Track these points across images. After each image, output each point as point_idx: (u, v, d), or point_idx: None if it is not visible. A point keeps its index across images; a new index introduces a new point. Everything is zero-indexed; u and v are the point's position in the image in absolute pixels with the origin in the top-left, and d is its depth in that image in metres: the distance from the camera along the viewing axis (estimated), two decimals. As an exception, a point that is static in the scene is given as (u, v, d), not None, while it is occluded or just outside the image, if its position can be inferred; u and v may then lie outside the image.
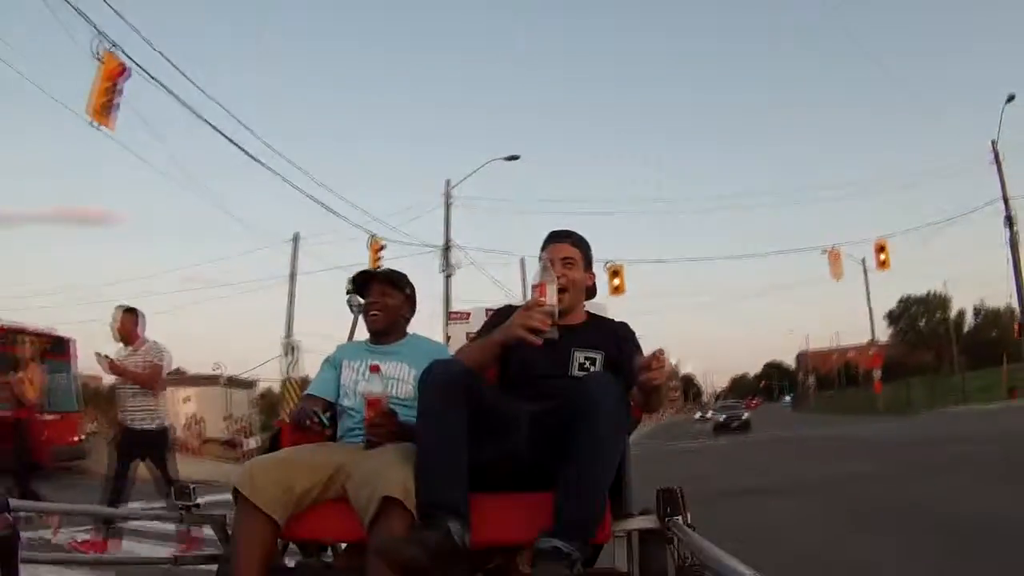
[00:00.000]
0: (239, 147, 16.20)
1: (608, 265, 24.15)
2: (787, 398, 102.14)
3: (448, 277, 26.51)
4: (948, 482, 9.67)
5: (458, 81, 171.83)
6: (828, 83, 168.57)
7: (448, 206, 27.05)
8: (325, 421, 2.71)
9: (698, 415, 75.77)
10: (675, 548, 2.29)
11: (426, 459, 2.27)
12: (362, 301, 3.04)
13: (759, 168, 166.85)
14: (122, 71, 11.26)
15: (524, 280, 30.08)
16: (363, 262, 21.94)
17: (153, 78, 12.55)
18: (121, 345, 6.75)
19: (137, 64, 11.77)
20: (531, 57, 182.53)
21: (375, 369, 2.72)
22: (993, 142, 26.74)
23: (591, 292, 2.93)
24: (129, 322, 6.75)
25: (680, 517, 2.29)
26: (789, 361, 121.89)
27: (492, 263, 50.10)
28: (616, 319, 2.93)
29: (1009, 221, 26.53)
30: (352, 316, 12.38)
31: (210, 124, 14.74)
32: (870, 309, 40.83)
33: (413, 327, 3.16)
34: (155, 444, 6.56)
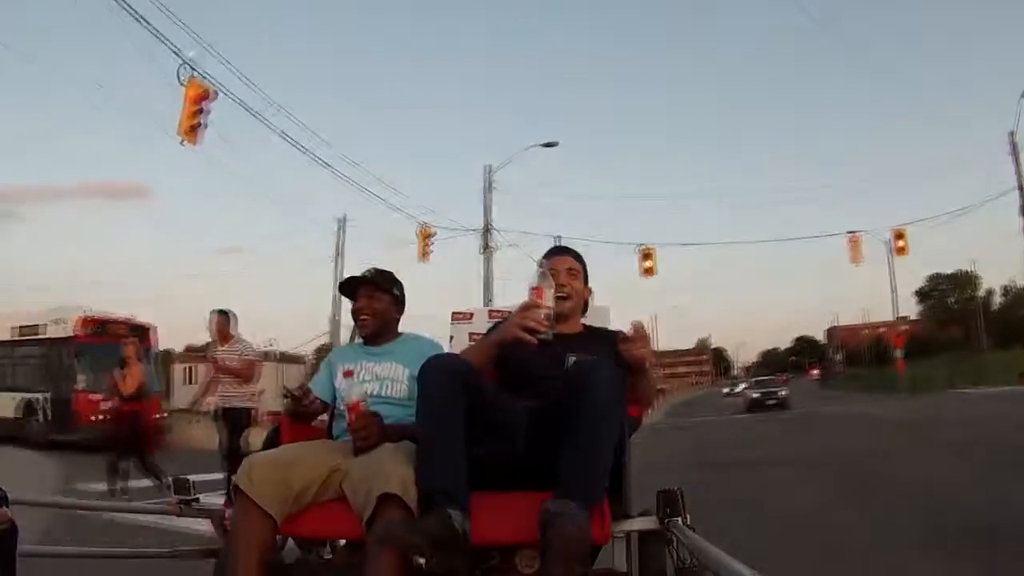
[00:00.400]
0: (311, 155, 18.00)
1: (640, 248, 24.12)
2: (814, 373, 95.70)
3: (488, 258, 26.43)
4: (923, 460, 10.38)
5: (498, 71, 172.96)
6: (849, 82, 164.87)
7: (488, 190, 26.83)
8: (297, 394, 2.63)
9: (727, 390, 69.53)
10: (674, 549, 2.15)
11: (426, 448, 2.18)
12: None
13: (790, 159, 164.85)
14: (206, 95, 12.11)
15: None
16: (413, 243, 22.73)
17: (235, 98, 13.91)
18: (218, 342, 7.49)
19: (221, 87, 12.90)
20: (568, 48, 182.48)
21: (348, 374, 2.62)
22: (1011, 134, 25.94)
23: (585, 307, 2.85)
24: (223, 323, 7.42)
25: (680, 518, 2.13)
26: (820, 336, 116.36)
27: (532, 244, 49.69)
28: (613, 328, 2.84)
29: (1024, 210, 25.50)
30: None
31: (286, 137, 16.62)
32: (893, 290, 39.45)
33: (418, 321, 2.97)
34: (239, 420, 7.32)
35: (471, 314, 3.33)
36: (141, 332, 16.52)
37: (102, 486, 8.58)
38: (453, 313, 3.33)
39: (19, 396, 16.68)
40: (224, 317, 7.42)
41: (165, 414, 16.96)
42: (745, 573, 1.46)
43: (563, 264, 2.68)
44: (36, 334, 17.17)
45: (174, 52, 11.93)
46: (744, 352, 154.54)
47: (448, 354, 2.45)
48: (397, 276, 2.91)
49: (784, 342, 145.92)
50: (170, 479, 2.39)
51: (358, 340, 2.89)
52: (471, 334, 3.11)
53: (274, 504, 2.20)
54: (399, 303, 2.88)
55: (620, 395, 2.22)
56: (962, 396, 30.09)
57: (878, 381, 49.45)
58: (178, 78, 11.84)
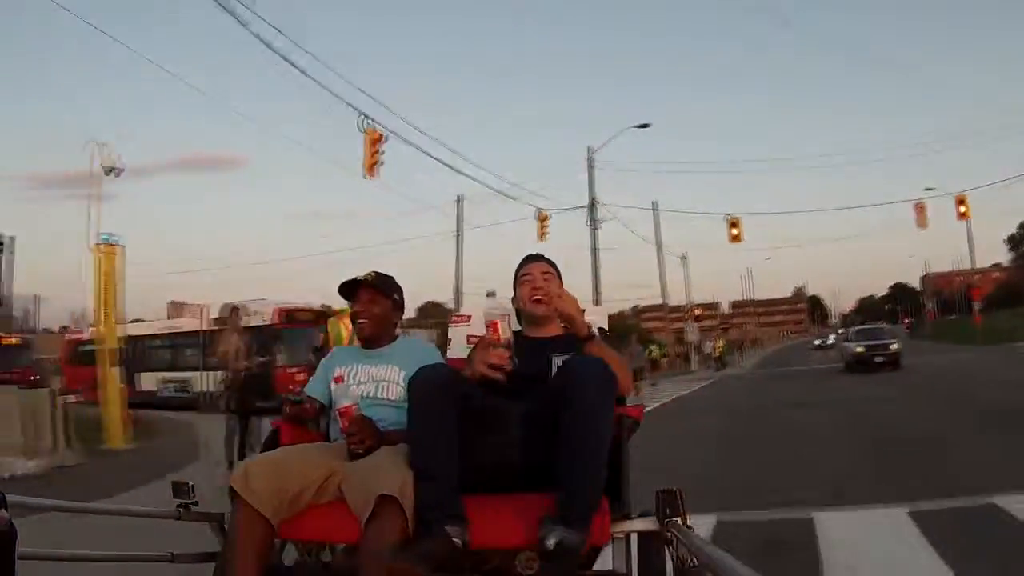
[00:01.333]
0: (457, 171, 21.61)
1: (727, 217, 23.96)
2: (906, 321, 79.54)
3: (595, 230, 26.58)
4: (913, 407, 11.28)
5: (597, 57, 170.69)
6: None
7: (591, 169, 26.64)
8: (299, 399, 2.44)
9: (817, 341, 54.14)
10: (674, 550, 1.86)
11: (418, 462, 1.97)
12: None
13: (869, 121, 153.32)
14: (380, 139, 13.34)
15: (656, 225, 32.18)
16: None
17: (403, 138, 17.03)
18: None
19: (392, 131, 14.49)
20: (659, 33, 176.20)
21: (338, 380, 2.42)
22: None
23: None
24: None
25: (679, 519, 1.88)
26: (915, 283, 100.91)
27: (630, 216, 49.36)
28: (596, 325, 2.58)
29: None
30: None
31: (445, 164, 19.71)
32: (971, 252, 35.00)
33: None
34: None
35: (469, 316, 3.08)
36: (324, 316, 17.39)
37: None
38: (451, 315, 2.94)
39: (222, 374, 17.94)
40: None
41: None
42: (745, 573, 1.27)
43: (538, 269, 2.47)
44: (234, 324, 18.44)
45: (356, 110, 13.24)
46: (841, 300, 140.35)
47: (436, 365, 2.24)
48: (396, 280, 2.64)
49: (881, 289, 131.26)
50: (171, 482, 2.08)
51: (356, 342, 2.64)
52: (469, 336, 2.84)
53: (271, 507, 1.97)
54: (398, 307, 2.63)
55: (610, 390, 1.98)
56: (1013, 350, 26.05)
57: (958, 333, 43.48)
58: (358, 127, 12.98)
